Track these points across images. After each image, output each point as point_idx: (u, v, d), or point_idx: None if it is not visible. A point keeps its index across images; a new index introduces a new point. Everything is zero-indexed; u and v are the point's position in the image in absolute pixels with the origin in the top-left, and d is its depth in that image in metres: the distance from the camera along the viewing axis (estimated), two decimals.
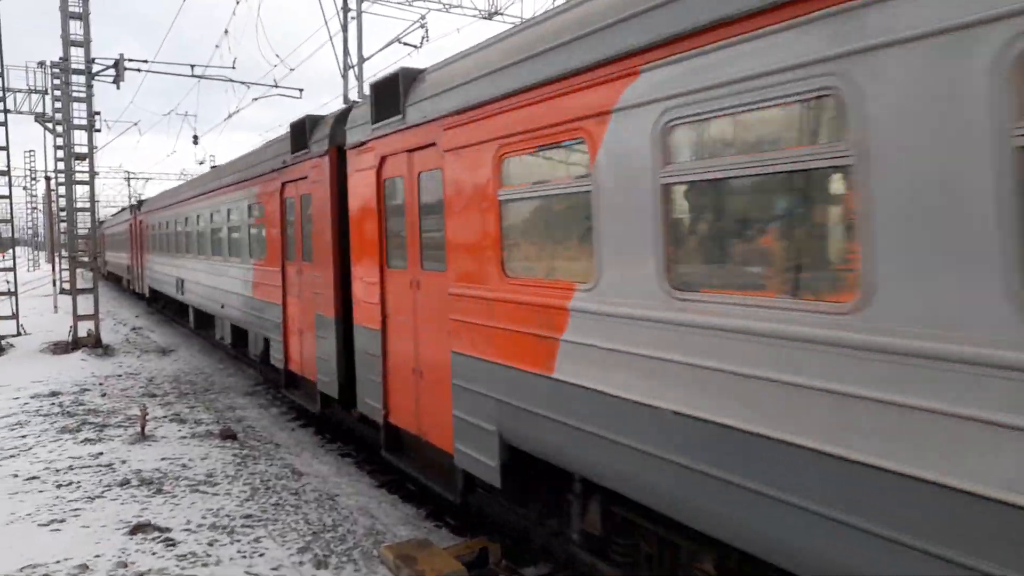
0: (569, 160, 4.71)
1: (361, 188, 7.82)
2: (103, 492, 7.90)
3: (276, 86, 23.72)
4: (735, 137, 3.60)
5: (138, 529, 6.83)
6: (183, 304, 19.19)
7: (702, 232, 3.96)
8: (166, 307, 21.67)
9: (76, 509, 7.39)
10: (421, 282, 6.71)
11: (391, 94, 7.02)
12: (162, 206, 21.86)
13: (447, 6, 20.90)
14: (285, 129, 11.67)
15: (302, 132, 9.73)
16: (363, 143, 7.74)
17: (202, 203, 16.19)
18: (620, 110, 4.14)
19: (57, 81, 19.27)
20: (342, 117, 8.82)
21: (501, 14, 21.47)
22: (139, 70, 20.46)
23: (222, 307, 14.58)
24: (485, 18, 21.42)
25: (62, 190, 19.78)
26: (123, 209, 21.94)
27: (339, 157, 8.73)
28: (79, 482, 8.22)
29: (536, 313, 4.93)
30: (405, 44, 19.76)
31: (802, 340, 3.21)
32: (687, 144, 3.85)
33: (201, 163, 47.32)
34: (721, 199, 3.81)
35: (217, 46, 22.64)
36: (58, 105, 19.49)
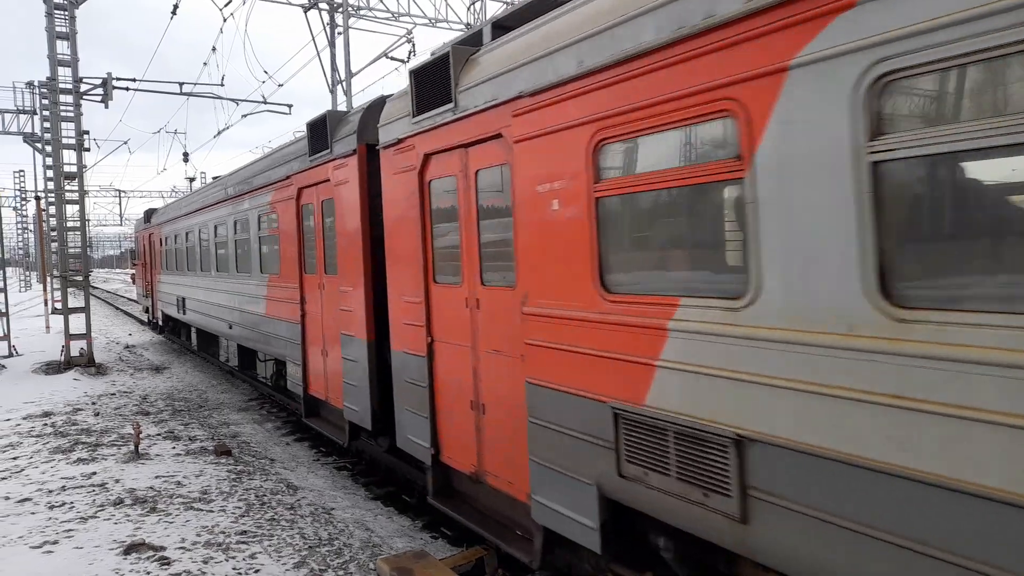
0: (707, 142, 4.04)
1: (399, 192, 6.93)
2: (96, 512, 7.85)
3: (265, 102, 23.77)
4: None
5: (132, 549, 6.79)
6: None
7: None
8: (170, 329, 23.58)
9: (69, 530, 7.34)
10: (481, 301, 5.83)
11: (439, 78, 6.13)
12: (166, 219, 21.22)
13: (433, 21, 21.03)
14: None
15: (322, 130, 8.95)
16: (401, 140, 6.84)
17: (205, 216, 15.75)
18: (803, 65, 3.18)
19: (45, 101, 19.24)
20: (373, 111, 7.99)
21: None
22: (127, 88, 20.46)
23: (229, 327, 14.24)
24: None
25: (52, 210, 19.73)
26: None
27: (370, 156, 7.96)
28: (72, 503, 8.17)
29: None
30: (392, 59, 19.85)
31: None
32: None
33: (192, 180, 47.30)
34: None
35: (205, 63, 22.69)
36: (47, 125, 19.45)
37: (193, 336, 19.32)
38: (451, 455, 6.45)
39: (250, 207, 12.31)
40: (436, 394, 6.57)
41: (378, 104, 8.06)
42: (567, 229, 4.64)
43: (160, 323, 23.77)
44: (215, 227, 14.88)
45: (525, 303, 5.10)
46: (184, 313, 18.76)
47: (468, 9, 21.63)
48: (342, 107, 21.17)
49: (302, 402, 10.30)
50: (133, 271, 32.63)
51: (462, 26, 21.59)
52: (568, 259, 4.65)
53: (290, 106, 24.36)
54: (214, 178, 17.15)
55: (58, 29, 17.79)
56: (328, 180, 8.85)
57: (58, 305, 19.11)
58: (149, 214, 24.80)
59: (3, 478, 9.19)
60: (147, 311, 26.41)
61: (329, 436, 9.47)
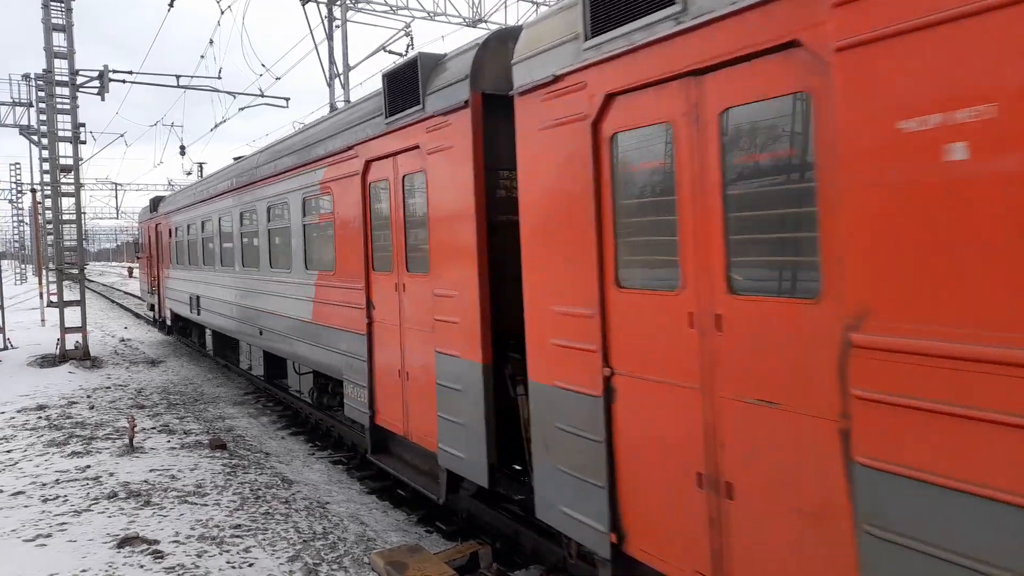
0: None
1: (552, 154, 4.94)
2: (90, 506, 7.83)
3: (262, 95, 23.69)
4: None
5: (126, 542, 6.77)
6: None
7: None
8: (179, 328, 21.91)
9: (63, 524, 7.32)
10: (726, 318, 3.79)
11: None
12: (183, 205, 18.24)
13: (431, 14, 20.96)
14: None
15: (410, 80, 6.78)
16: (559, 78, 4.79)
17: (227, 202, 13.65)
18: None
19: (42, 93, 19.16)
20: (493, 47, 5.98)
21: (485, 21, 21.54)
22: (124, 81, 20.39)
23: (260, 333, 12.18)
24: (469, 25, 21.49)
25: (48, 203, 19.68)
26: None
27: (484, 109, 5.97)
28: (66, 496, 8.15)
29: None
30: (391, 52, 19.80)
31: None
32: None
33: (188, 173, 47.20)
34: None
35: (202, 56, 22.59)
36: (43, 117, 19.39)
37: (208, 339, 17.93)
38: (647, 548, 4.40)
39: (291, 188, 10.21)
40: (617, 453, 4.57)
41: (498, 38, 6.04)
42: (1000, 195, 2.57)
43: (168, 322, 21.86)
44: (241, 214, 12.89)
45: (857, 327, 3.09)
46: (199, 313, 16.94)
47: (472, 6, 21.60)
48: (339, 103, 21.08)
49: (367, 434, 8.10)
50: (131, 264, 32.07)
51: (460, 19, 21.53)
52: (1002, 251, 2.59)
53: (287, 99, 24.30)
54: (235, 159, 15.29)
55: (54, 21, 17.72)
56: (416, 147, 6.81)
57: (53, 298, 19.07)
58: (156, 202, 23.10)
59: None
60: (152, 308, 24.43)
61: (415, 487, 7.15)
